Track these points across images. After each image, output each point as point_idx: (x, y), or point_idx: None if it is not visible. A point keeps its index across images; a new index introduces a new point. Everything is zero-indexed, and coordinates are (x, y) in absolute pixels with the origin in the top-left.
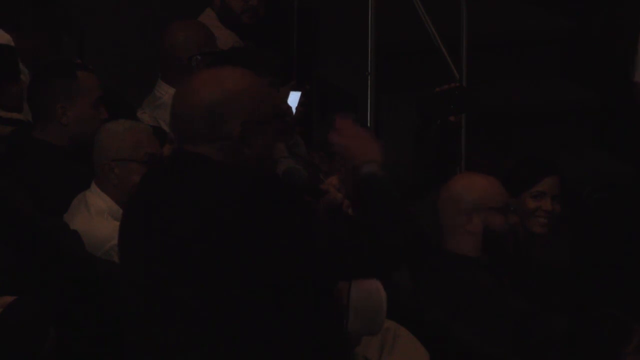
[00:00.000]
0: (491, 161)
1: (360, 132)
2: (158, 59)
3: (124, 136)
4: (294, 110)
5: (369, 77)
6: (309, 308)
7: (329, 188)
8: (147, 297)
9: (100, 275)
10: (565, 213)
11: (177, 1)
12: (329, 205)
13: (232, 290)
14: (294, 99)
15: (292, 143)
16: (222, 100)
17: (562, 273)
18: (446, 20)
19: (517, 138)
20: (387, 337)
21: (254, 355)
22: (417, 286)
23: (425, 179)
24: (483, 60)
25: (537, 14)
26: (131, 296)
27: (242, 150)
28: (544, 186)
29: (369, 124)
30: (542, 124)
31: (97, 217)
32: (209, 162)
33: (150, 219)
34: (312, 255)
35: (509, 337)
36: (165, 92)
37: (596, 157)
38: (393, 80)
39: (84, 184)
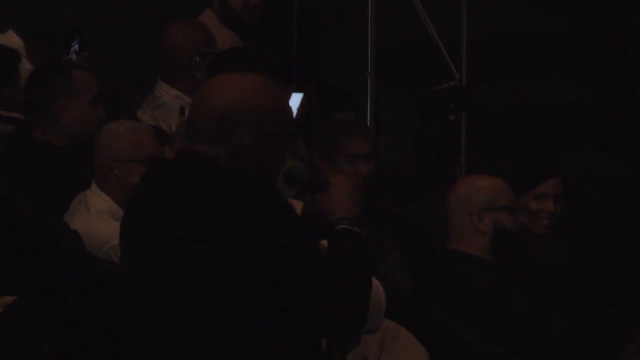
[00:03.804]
0: (491, 161)
1: (342, 187)
2: (158, 59)
3: (124, 136)
4: (294, 111)
5: (369, 77)
6: (309, 308)
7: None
8: (147, 297)
9: (100, 275)
10: (565, 213)
11: (177, 1)
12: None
13: (232, 291)
14: (295, 100)
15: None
16: (237, 105)
17: (562, 273)
18: (446, 20)
19: (517, 138)
20: (386, 337)
21: (254, 355)
22: (417, 286)
23: (425, 179)
24: (483, 60)
25: (537, 14)
26: (131, 296)
27: (249, 158)
28: (546, 187)
29: (369, 124)
30: (542, 124)
31: (97, 217)
32: (210, 162)
33: (151, 219)
34: (312, 256)
35: (509, 337)
36: (165, 92)
37: (596, 157)
38: (393, 80)
39: (84, 184)
